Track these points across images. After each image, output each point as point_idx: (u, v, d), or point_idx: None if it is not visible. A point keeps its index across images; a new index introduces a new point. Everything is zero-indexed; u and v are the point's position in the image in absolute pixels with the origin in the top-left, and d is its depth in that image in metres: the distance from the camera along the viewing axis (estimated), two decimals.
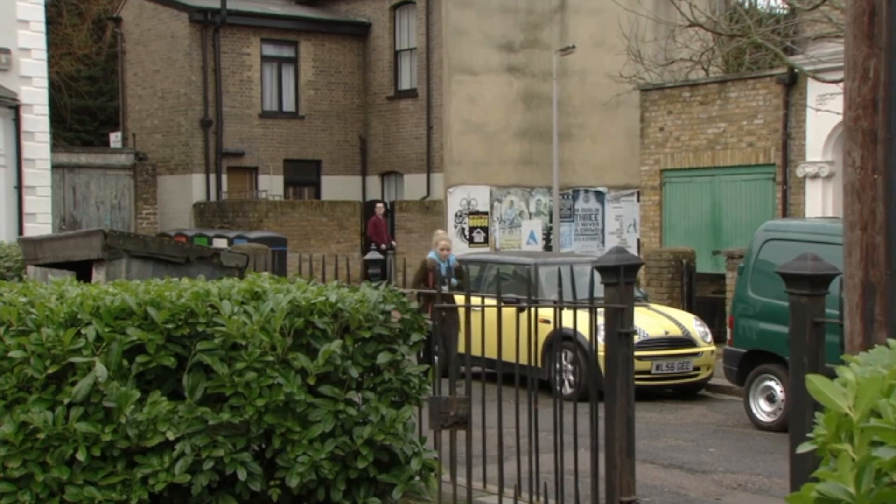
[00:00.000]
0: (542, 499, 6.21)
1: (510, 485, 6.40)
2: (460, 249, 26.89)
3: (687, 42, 24.72)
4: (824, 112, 18.30)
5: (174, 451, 5.73)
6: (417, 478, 6.16)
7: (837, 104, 18.33)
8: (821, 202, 18.19)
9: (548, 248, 28.34)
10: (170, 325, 5.83)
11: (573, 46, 26.70)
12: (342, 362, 6.00)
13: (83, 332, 5.73)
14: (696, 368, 13.01)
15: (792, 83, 18.66)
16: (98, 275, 7.09)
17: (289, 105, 29.36)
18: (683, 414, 12.04)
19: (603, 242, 30.28)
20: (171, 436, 5.72)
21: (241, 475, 5.80)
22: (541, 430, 6.72)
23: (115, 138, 30.47)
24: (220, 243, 21.87)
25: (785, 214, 18.58)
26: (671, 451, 9.71)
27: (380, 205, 25.57)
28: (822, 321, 4.42)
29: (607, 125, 29.66)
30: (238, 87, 28.27)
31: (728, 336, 11.82)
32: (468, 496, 6.22)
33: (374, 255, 8.34)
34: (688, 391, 13.17)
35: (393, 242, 25.47)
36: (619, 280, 5.30)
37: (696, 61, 24.87)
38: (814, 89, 18.32)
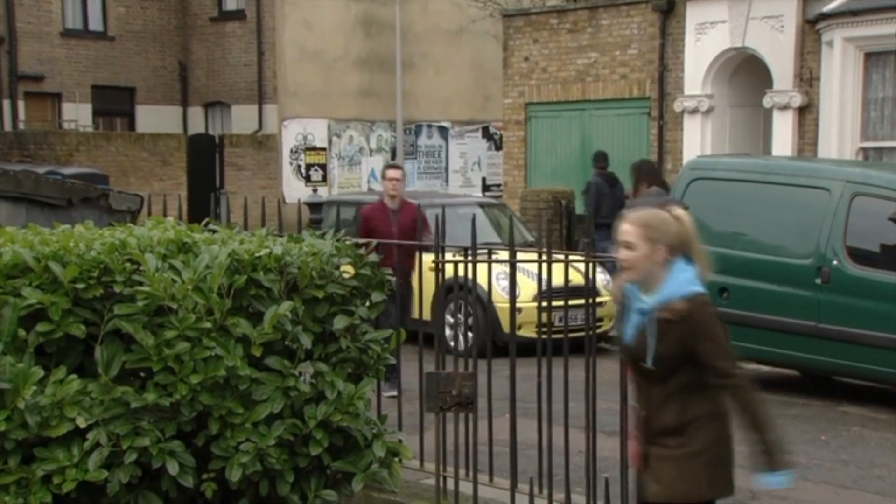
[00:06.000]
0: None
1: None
2: (296, 189, 25.94)
3: None
4: (704, 42, 18.22)
5: (86, 442, 4.92)
6: (377, 465, 5.47)
7: (718, 33, 18.33)
8: (699, 138, 18.10)
9: None
10: (79, 285, 4.98)
11: None
12: (292, 328, 5.24)
13: None
14: (600, 319, 12.63)
15: (669, 10, 18.45)
16: None
17: (95, 24, 27.75)
18: (597, 371, 11.62)
19: (447, 181, 29.88)
20: (81, 423, 4.95)
21: (172, 469, 5.00)
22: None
23: None
24: None
25: (661, 152, 18.47)
26: (606, 415, 9.26)
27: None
28: None
29: (451, 55, 29.12)
30: (34, 1, 26.39)
31: None
32: (473, 492, 5.56)
33: (315, 197, 7.49)
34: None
35: None
36: None
37: None
38: (693, 17, 18.17)
